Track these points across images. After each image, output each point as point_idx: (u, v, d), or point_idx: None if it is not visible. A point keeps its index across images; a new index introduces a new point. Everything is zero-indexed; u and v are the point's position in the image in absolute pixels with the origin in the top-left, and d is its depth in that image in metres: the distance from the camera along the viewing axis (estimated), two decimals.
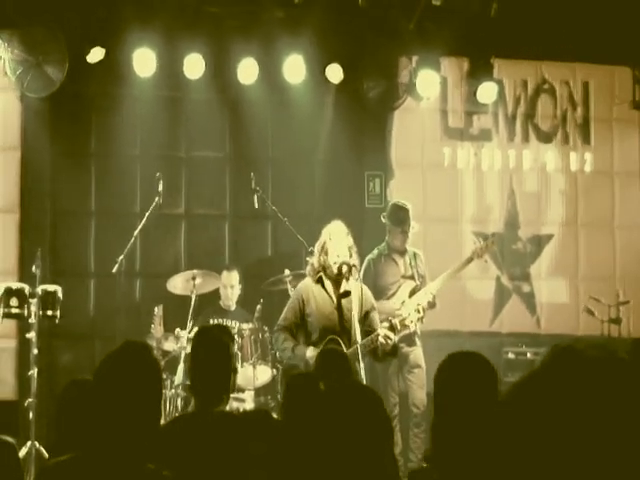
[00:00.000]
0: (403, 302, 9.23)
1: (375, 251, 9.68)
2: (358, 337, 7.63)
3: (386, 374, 9.45)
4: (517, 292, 11.46)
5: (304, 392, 5.61)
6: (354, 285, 7.86)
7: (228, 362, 4.94)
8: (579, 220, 11.71)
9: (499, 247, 10.09)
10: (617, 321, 11.07)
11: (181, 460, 4.37)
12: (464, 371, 3.83)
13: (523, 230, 11.53)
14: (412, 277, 9.46)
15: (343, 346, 7.69)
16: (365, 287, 8.15)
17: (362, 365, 7.58)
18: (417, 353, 9.35)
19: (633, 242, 11.78)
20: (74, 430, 4.42)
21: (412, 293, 9.32)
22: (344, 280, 7.88)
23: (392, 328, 7.86)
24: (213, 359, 4.92)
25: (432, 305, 9.29)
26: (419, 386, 9.27)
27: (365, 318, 7.87)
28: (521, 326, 11.12)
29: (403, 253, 9.63)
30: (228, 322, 9.43)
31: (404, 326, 8.12)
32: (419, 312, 8.39)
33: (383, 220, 9.83)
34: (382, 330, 7.85)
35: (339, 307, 7.90)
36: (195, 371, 4.98)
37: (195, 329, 9.41)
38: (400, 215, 9.61)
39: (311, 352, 7.60)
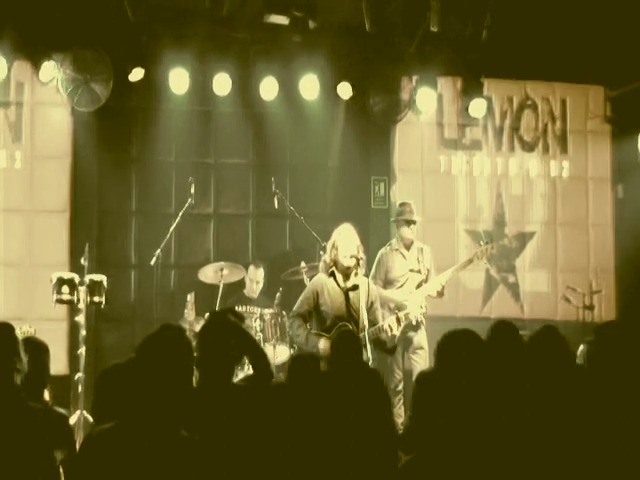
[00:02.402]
0: (410, 292, 9.19)
1: (387, 246, 9.61)
2: (366, 324, 7.63)
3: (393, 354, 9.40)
4: (504, 282, 11.43)
5: (307, 370, 5.57)
6: (361, 280, 7.85)
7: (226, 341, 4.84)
8: (558, 219, 11.66)
9: (496, 250, 10.02)
10: (591, 307, 11.05)
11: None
12: (462, 340, 3.86)
13: (509, 228, 11.49)
14: (419, 271, 9.38)
15: None
16: (371, 281, 8.18)
17: (369, 348, 7.53)
18: (421, 336, 9.25)
19: (604, 239, 11.76)
20: (112, 404, 4.38)
21: (418, 285, 9.26)
22: (352, 274, 7.85)
23: (397, 320, 7.90)
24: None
25: (441, 294, 9.26)
26: (422, 365, 9.12)
27: (370, 307, 7.83)
28: (507, 312, 11.05)
29: (410, 247, 9.52)
30: (252, 308, 9.39)
31: (408, 319, 8.15)
32: (422, 308, 8.43)
33: (392, 220, 9.78)
34: (388, 319, 7.92)
35: (347, 298, 7.88)
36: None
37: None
38: (404, 209, 9.55)
39: (323, 344, 7.55)
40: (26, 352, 4.42)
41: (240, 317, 5.32)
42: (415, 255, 9.51)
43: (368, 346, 7.52)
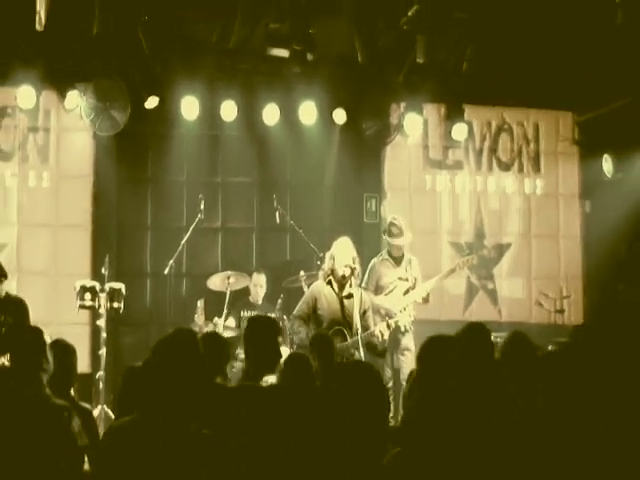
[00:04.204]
0: (399, 299, 9.22)
1: (380, 256, 9.57)
2: (359, 330, 7.69)
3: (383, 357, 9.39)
4: (483, 289, 11.46)
5: (300, 365, 5.63)
6: (355, 290, 7.91)
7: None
8: (532, 232, 11.71)
9: (476, 260, 10.05)
10: (561, 311, 11.08)
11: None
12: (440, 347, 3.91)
13: (488, 240, 11.53)
14: (407, 279, 9.36)
15: (347, 336, 7.80)
16: (364, 292, 8.25)
17: (362, 351, 7.58)
18: (408, 339, 9.21)
19: (574, 249, 11.80)
20: (133, 400, 4.45)
21: (406, 292, 9.27)
22: (347, 284, 7.94)
23: (387, 326, 8.01)
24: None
25: (426, 300, 9.27)
26: (409, 366, 9.11)
27: (363, 315, 7.91)
28: (486, 315, 11.06)
29: (400, 260, 9.42)
30: (256, 313, 9.43)
31: (397, 327, 8.23)
32: (410, 316, 8.52)
33: (383, 237, 9.70)
34: (379, 325, 8.01)
35: (342, 305, 7.95)
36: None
37: (230, 319, 9.50)
38: (392, 230, 9.49)
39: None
40: (55, 353, 4.51)
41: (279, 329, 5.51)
42: (404, 265, 9.54)
43: (361, 349, 7.59)
